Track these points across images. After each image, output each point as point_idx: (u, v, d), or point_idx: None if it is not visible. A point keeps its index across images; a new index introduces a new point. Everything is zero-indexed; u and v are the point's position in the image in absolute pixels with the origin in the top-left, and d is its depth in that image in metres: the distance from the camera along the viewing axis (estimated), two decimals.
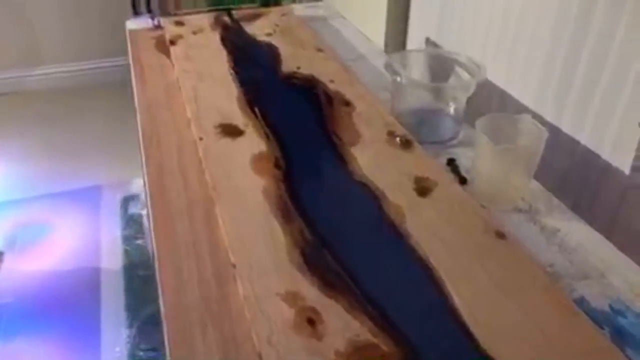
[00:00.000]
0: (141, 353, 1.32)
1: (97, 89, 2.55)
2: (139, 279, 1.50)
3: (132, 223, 1.71)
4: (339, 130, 0.88)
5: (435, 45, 1.47)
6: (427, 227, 0.68)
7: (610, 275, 0.67)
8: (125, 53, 1.25)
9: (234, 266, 0.63)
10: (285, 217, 0.69)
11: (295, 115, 0.94)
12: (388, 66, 0.92)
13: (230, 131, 0.88)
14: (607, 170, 0.91)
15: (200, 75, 1.06)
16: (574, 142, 0.96)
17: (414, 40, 1.62)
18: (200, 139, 0.86)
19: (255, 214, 0.70)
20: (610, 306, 0.61)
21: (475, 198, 0.74)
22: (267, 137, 0.86)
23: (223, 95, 0.99)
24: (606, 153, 0.91)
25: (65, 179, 1.96)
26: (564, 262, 0.69)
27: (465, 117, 0.92)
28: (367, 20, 1.67)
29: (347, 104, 0.96)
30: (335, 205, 0.73)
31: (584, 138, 0.95)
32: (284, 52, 1.16)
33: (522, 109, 1.08)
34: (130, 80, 1.11)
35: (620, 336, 0.57)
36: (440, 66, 0.95)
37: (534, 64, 1.05)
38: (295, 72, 1.07)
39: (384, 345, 0.53)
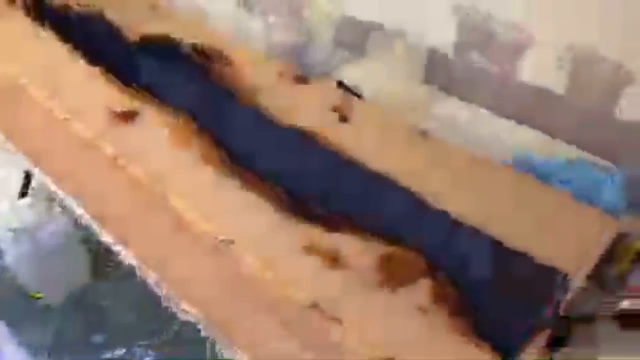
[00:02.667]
0: None
1: None
2: (21, 310, 1.32)
3: None
4: (233, 84, 0.89)
5: None
6: (367, 147, 0.76)
7: (505, 138, 0.85)
8: None
9: (232, 242, 0.64)
10: (248, 182, 0.71)
11: (177, 80, 0.90)
12: (256, 8, 0.93)
13: (125, 116, 0.82)
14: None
15: (41, 67, 0.93)
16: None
17: None
18: (101, 135, 0.79)
19: (218, 189, 0.70)
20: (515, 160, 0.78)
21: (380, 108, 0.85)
22: (166, 110, 0.83)
23: (88, 83, 0.90)
24: None
25: None
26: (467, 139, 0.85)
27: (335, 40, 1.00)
28: None
29: (222, 56, 0.95)
30: (282, 156, 0.76)
31: None
32: (115, 18, 1.06)
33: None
34: None
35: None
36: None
37: None
38: (144, 36, 1.00)
39: (399, 250, 0.62)
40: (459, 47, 1.09)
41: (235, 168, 0.73)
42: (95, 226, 0.69)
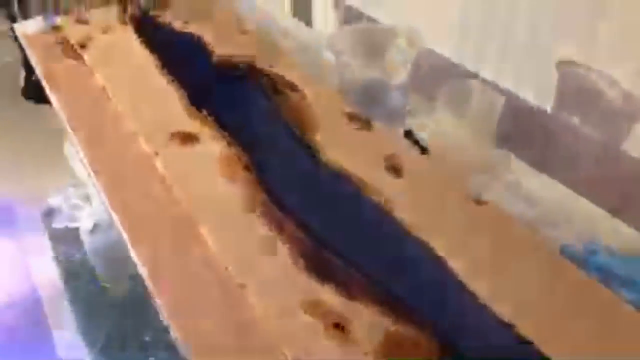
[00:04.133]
0: None
1: None
2: (86, 298, 1.42)
3: (61, 239, 1.60)
4: (296, 118, 0.87)
5: (351, 8, 1.47)
6: (411, 206, 0.70)
7: (575, 219, 0.74)
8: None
9: (243, 285, 0.62)
10: (275, 224, 0.69)
11: (246, 109, 0.91)
12: (331, 46, 0.91)
13: (185, 139, 0.84)
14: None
15: (129, 80, 0.99)
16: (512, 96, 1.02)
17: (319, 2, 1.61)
18: (156, 153, 0.82)
19: (243, 225, 0.69)
20: (586, 248, 0.68)
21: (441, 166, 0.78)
22: (225, 138, 0.83)
23: (163, 101, 0.93)
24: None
25: None
26: (533, 212, 0.76)
27: (410, 85, 0.95)
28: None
29: (294, 88, 0.94)
30: (319, 201, 0.73)
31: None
32: (209, 40, 1.10)
33: (450, 64, 1.12)
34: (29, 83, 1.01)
35: (599, 273, 0.64)
36: (377, 39, 0.96)
37: (453, 16, 1.09)
38: (229, 61, 1.03)
39: (413, 332, 0.56)
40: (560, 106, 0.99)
41: (268, 208, 0.71)
42: (126, 243, 0.71)
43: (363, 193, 0.73)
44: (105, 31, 1.15)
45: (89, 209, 1.50)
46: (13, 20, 2.04)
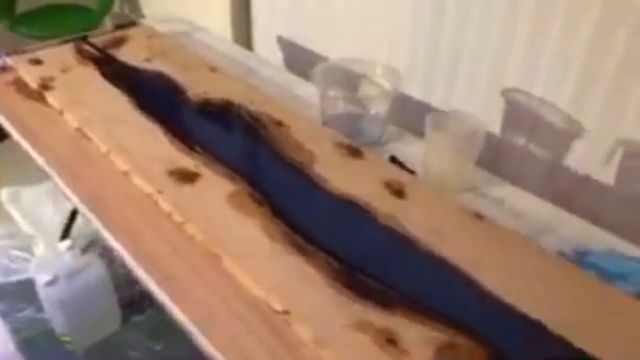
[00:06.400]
0: None
1: None
2: (46, 353, 1.31)
3: (4, 294, 1.47)
4: (289, 152, 0.90)
5: (288, 42, 1.54)
6: (423, 226, 0.76)
7: (559, 229, 0.84)
8: None
9: (287, 312, 0.64)
10: (303, 253, 0.71)
11: (238, 145, 0.93)
12: (316, 80, 0.96)
13: (185, 176, 0.84)
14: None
15: (106, 120, 0.97)
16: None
17: (262, 37, 1.67)
18: (159, 191, 0.81)
19: (271, 257, 0.70)
20: (576, 251, 0.77)
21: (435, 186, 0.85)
22: (227, 174, 0.84)
23: (150, 139, 0.92)
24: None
25: None
26: (519, 224, 0.84)
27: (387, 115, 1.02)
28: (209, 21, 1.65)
29: (280, 123, 0.97)
30: (337, 227, 0.76)
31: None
32: (178, 79, 1.11)
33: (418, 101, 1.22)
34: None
35: (595, 272, 0.73)
36: (352, 74, 1.03)
37: (399, 49, 1.19)
38: (206, 99, 1.04)
39: (461, 340, 0.60)
40: (508, 130, 1.10)
41: (291, 237, 0.73)
42: (149, 284, 0.69)
43: (375, 216, 0.77)
44: (64, 71, 1.12)
45: (36, 260, 1.40)
46: None
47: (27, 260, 1.52)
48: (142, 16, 2.26)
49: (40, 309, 1.36)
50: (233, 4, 1.65)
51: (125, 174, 0.86)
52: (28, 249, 1.55)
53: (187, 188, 0.82)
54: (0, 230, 1.62)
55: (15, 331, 1.37)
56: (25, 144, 0.94)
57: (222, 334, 0.63)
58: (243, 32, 1.71)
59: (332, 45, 1.35)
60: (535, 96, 1.03)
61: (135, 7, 2.33)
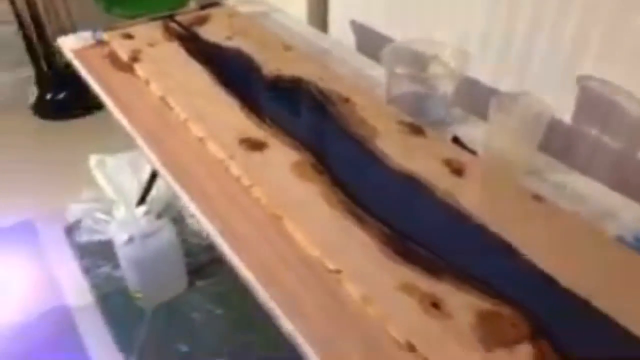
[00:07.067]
0: None
1: None
2: (119, 308, 1.44)
3: (86, 252, 1.62)
4: (353, 127, 0.94)
5: (360, 24, 1.56)
6: (479, 203, 0.77)
7: (621, 214, 0.82)
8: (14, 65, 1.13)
9: (339, 271, 0.68)
10: (359, 220, 0.75)
11: (305, 119, 0.98)
12: (384, 59, 0.99)
13: (255, 145, 0.90)
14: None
15: (187, 91, 1.04)
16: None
17: (336, 21, 1.70)
18: (231, 157, 0.87)
19: (329, 221, 0.75)
20: (636, 238, 0.76)
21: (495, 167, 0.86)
22: (293, 145, 0.89)
23: (224, 110, 0.99)
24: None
25: None
26: (580, 209, 0.83)
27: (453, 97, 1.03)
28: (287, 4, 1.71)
29: (347, 100, 1.01)
30: (393, 199, 0.79)
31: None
32: (255, 56, 1.17)
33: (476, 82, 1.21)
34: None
35: None
36: (420, 55, 1.05)
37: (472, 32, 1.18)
38: (278, 76, 1.10)
39: (504, 309, 0.62)
40: (580, 118, 1.08)
41: (348, 205, 0.77)
42: (217, 240, 0.76)
43: (433, 192, 0.80)
44: (152, 45, 1.21)
45: (116, 222, 1.53)
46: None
47: (108, 222, 1.66)
48: None
49: (116, 267, 1.49)
50: None
51: (201, 140, 0.93)
52: (110, 212, 1.69)
53: (256, 155, 0.88)
54: (87, 193, 1.78)
55: (94, 286, 1.51)
56: (115, 112, 1.03)
57: (280, 289, 0.68)
58: (319, 15, 1.75)
59: (405, 31, 1.37)
60: (612, 84, 1.00)
61: None
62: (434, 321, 0.61)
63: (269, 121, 0.95)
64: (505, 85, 1.17)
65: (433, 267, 0.68)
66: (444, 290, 0.65)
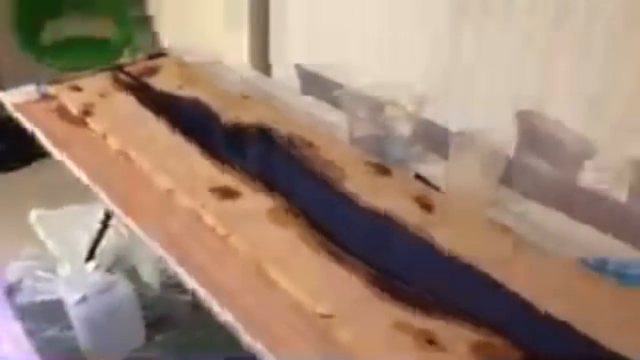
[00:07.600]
0: None
1: None
2: None
3: (28, 314, 1.51)
4: (321, 169, 0.96)
5: (304, 69, 1.61)
6: (452, 236, 0.81)
7: (575, 237, 0.89)
8: None
9: (330, 316, 0.68)
10: (340, 261, 0.76)
11: (272, 164, 0.99)
12: (342, 102, 1.02)
13: (227, 193, 0.89)
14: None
15: (146, 143, 1.03)
16: None
17: (279, 64, 1.75)
18: (203, 206, 0.86)
19: (312, 264, 0.75)
20: (595, 259, 0.82)
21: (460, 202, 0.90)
22: (264, 191, 0.90)
23: (188, 159, 0.98)
24: None
25: None
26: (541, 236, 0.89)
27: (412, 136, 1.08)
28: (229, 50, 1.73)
29: (310, 144, 1.03)
30: (370, 237, 0.81)
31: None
32: (212, 104, 1.17)
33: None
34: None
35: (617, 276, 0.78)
36: (376, 99, 1.09)
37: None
38: (237, 123, 1.10)
39: (496, 340, 0.65)
40: (524, 151, 1.16)
41: (327, 245, 0.78)
42: (200, 293, 0.74)
43: (406, 228, 0.82)
44: (103, 96, 1.18)
45: (64, 280, 1.44)
46: None
47: (51, 281, 1.57)
48: (162, 48, 2.34)
49: (64, 328, 1.40)
50: (251, 35, 1.73)
51: (169, 192, 0.92)
52: (53, 270, 1.59)
53: (228, 204, 0.87)
54: (27, 251, 1.67)
55: (38, 349, 1.41)
56: (73, 168, 0.99)
57: (270, 337, 0.67)
58: (262, 61, 1.79)
59: (347, 72, 1.42)
60: (549, 117, 1.09)
61: (153, 40, 2.42)
62: (432, 356, 0.63)
63: (237, 168, 0.95)
64: (455, 123, 1.24)
65: (421, 303, 0.70)
66: (435, 325, 0.66)
